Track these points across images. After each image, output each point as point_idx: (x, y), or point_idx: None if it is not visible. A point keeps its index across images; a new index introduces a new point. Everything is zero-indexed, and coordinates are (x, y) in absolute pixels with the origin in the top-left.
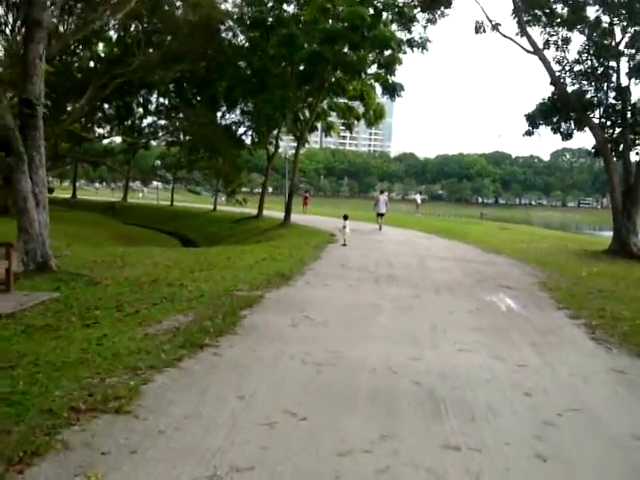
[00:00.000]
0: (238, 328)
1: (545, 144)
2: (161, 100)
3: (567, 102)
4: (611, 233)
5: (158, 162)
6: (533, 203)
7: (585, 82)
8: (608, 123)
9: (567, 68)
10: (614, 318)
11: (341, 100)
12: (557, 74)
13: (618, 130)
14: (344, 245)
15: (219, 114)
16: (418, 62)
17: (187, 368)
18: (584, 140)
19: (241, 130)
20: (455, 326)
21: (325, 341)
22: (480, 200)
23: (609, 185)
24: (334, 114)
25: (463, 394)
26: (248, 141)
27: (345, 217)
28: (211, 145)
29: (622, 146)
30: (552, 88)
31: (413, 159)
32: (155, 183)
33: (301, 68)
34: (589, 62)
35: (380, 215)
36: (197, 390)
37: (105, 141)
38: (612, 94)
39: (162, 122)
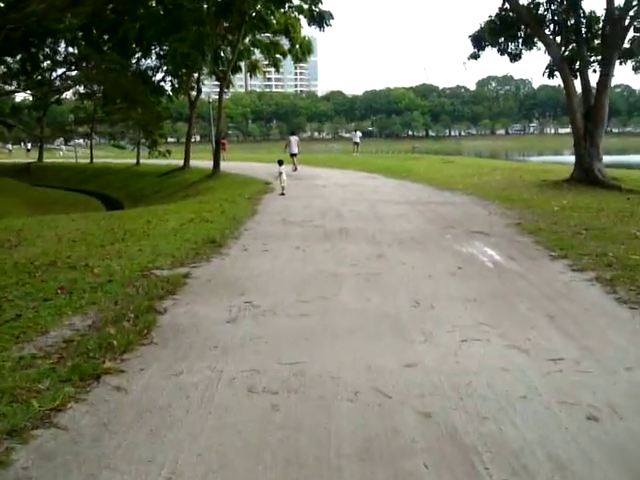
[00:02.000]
0: (154, 333)
1: (471, 73)
2: (70, 50)
3: (519, 17)
4: (544, 158)
5: (72, 117)
6: (463, 133)
7: None
8: (559, 40)
9: None
10: (625, 266)
11: (265, 36)
12: None
13: (572, 47)
14: (282, 195)
15: (134, 61)
16: None
17: (69, 427)
18: (522, 64)
19: (159, 76)
20: (442, 298)
21: (277, 344)
22: (410, 134)
23: (568, 107)
24: (258, 52)
25: (499, 431)
26: (168, 87)
27: (280, 162)
28: (125, 94)
29: (578, 64)
30: (499, 4)
31: (341, 97)
32: (77, 140)
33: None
34: None
35: (293, 155)
36: None
37: (18, 98)
38: (563, 7)
39: (73, 73)
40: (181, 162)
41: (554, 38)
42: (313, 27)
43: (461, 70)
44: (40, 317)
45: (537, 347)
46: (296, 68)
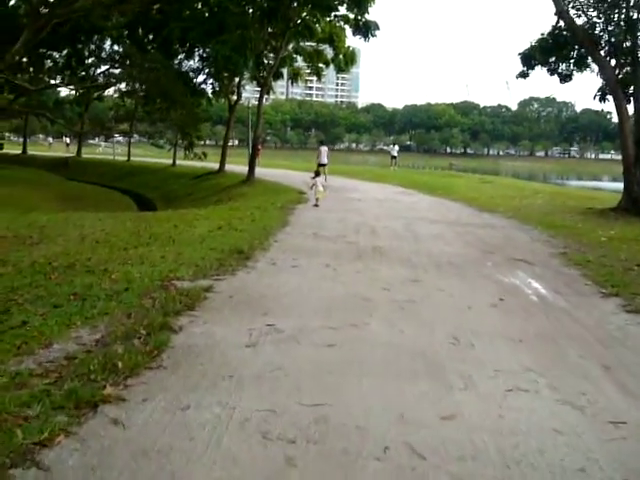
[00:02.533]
0: (165, 355)
1: (513, 93)
2: (115, 48)
3: (574, 36)
4: (583, 183)
5: (112, 114)
6: (501, 153)
7: (593, 14)
8: (613, 62)
9: None
10: None
11: (308, 44)
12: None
13: (626, 69)
14: (316, 206)
15: (176, 61)
16: (384, 6)
17: (53, 467)
18: (573, 85)
19: (201, 78)
20: (483, 335)
21: (299, 378)
22: (448, 150)
23: (620, 132)
24: (301, 59)
25: None
26: (209, 90)
27: (317, 173)
28: (165, 94)
29: (633, 88)
30: (553, 22)
31: (381, 110)
32: (117, 138)
33: (263, 5)
34: None
35: (322, 165)
36: None
37: (63, 93)
38: (620, 29)
39: (116, 71)
40: (217, 165)
41: (609, 60)
42: (358, 37)
43: (503, 89)
44: (47, 326)
45: (594, 405)
46: (338, 78)
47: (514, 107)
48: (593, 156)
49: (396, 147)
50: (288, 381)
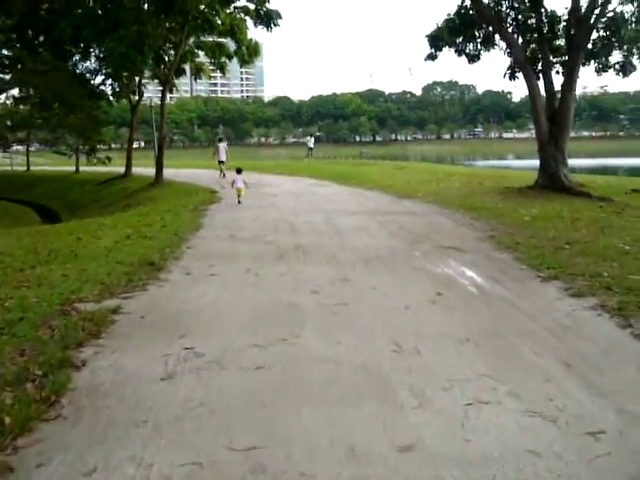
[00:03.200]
0: (65, 400)
1: (416, 78)
2: (5, 52)
3: (481, 15)
4: (489, 162)
5: (8, 122)
6: (409, 138)
7: None
8: (520, 40)
9: None
10: (628, 290)
11: (209, 38)
12: None
13: (532, 46)
14: (239, 203)
15: (72, 63)
16: None
17: None
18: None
19: (99, 80)
20: (428, 338)
21: (227, 415)
22: (358, 139)
23: (532, 110)
24: (203, 54)
25: None
26: (109, 92)
27: (239, 171)
28: (60, 97)
29: (541, 65)
30: (459, 2)
31: (288, 102)
32: (17, 147)
33: None
34: None
35: (221, 162)
36: None
37: None
38: (525, 6)
39: (6, 77)
40: (123, 169)
41: (516, 38)
42: (260, 28)
43: (407, 75)
44: None
45: (564, 413)
46: (242, 73)
47: (418, 92)
48: (497, 136)
49: (312, 139)
50: (214, 420)
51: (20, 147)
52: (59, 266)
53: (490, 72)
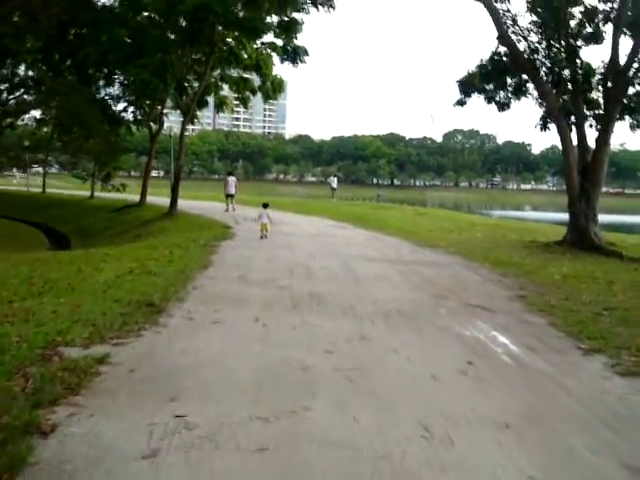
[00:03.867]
0: None
1: (437, 125)
2: (29, 73)
3: (516, 61)
4: (506, 213)
5: (26, 143)
6: (427, 184)
7: (534, 39)
8: (554, 90)
9: (513, 20)
10: None
11: (234, 71)
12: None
13: (565, 97)
14: (265, 237)
15: (96, 88)
16: (309, 37)
17: None
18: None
19: (121, 106)
20: (461, 422)
21: None
22: (376, 181)
23: (564, 163)
24: (227, 87)
25: None
26: (129, 118)
27: (265, 205)
28: (79, 121)
29: (574, 117)
30: (492, 48)
31: (308, 141)
32: (35, 168)
33: (184, 25)
34: (540, 12)
35: (230, 196)
36: None
37: None
38: (561, 56)
39: (30, 97)
40: (139, 197)
41: (550, 88)
42: (286, 63)
43: (428, 121)
44: None
45: None
46: (265, 110)
47: (439, 139)
48: (515, 187)
49: (335, 179)
50: None
51: (40, 169)
52: (52, 300)
53: (511, 123)
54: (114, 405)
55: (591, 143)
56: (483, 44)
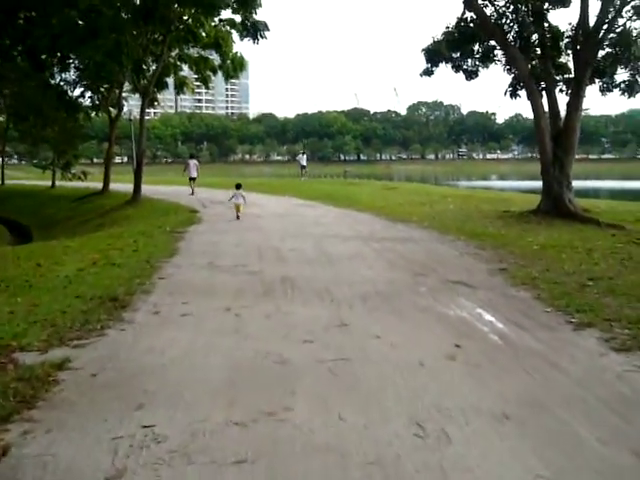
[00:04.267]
0: None
1: (401, 98)
2: None
3: (484, 26)
4: (473, 183)
5: None
6: (394, 158)
7: (501, 3)
8: (523, 56)
9: None
10: None
11: (193, 51)
12: None
13: (534, 63)
14: (237, 218)
15: (50, 73)
16: (268, 14)
17: None
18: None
19: (78, 92)
20: (456, 414)
21: None
22: (342, 157)
23: (536, 129)
24: (186, 68)
25: None
26: (87, 104)
27: (238, 186)
28: (33, 108)
29: (544, 82)
30: (459, 14)
31: (273, 119)
32: None
33: (137, 3)
34: None
35: (192, 179)
36: None
37: None
38: (528, 20)
39: None
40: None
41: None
42: (247, 40)
43: (392, 95)
44: None
45: None
46: (227, 90)
47: (403, 112)
48: (481, 157)
49: (304, 156)
50: None
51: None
52: (8, 300)
53: (475, 92)
54: (74, 418)
55: (562, 109)
56: (447, 12)
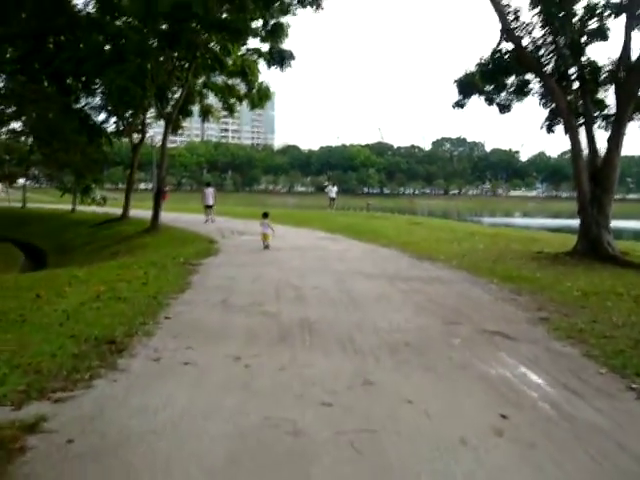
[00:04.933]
0: None
1: (425, 134)
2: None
3: (522, 57)
4: (495, 220)
5: (7, 157)
6: (417, 192)
7: (539, 34)
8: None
9: (515, 15)
10: None
11: (219, 78)
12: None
13: (572, 97)
14: (266, 248)
15: (76, 97)
16: (295, 46)
17: None
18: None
19: (103, 117)
20: None
21: None
22: (366, 190)
23: (573, 167)
24: (212, 96)
25: None
26: (111, 129)
27: (265, 215)
28: (54, 131)
29: (583, 117)
30: (494, 45)
31: (297, 151)
32: (20, 182)
33: (164, 27)
34: (545, 6)
35: (209, 207)
36: None
37: None
38: (567, 53)
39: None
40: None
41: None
42: (273, 68)
43: (415, 130)
44: None
45: None
46: (253, 121)
47: (427, 147)
48: (504, 193)
49: (335, 188)
50: None
51: (26, 182)
52: None
53: (498, 130)
54: None
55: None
56: (474, 45)
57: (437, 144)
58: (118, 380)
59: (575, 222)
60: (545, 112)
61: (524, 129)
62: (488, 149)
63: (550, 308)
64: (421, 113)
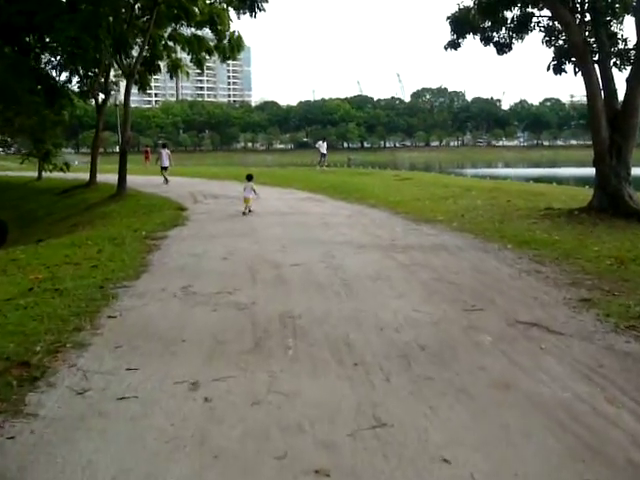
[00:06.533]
0: None
1: (405, 85)
2: None
3: None
4: (478, 171)
5: None
6: (398, 145)
7: None
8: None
9: None
10: None
11: (188, 30)
12: None
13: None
14: (246, 213)
15: (35, 55)
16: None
17: None
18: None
19: (65, 77)
20: None
21: None
22: (346, 145)
23: (589, 110)
24: (180, 49)
25: None
26: (76, 89)
27: (249, 177)
28: (6, 92)
29: (598, 54)
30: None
31: (275, 107)
32: None
33: None
34: None
35: (164, 168)
36: None
37: None
38: None
39: None
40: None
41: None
42: (243, 13)
43: (395, 82)
44: None
45: None
46: (229, 77)
47: (407, 99)
48: (486, 144)
49: (324, 143)
50: None
51: None
52: None
53: (479, 77)
54: None
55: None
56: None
57: (417, 95)
58: (18, 435)
59: (560, 171)
60: (549, 51)
61: (505, 76)
62: (469, 98)
63: (586, 283)
64: (400, 63)
